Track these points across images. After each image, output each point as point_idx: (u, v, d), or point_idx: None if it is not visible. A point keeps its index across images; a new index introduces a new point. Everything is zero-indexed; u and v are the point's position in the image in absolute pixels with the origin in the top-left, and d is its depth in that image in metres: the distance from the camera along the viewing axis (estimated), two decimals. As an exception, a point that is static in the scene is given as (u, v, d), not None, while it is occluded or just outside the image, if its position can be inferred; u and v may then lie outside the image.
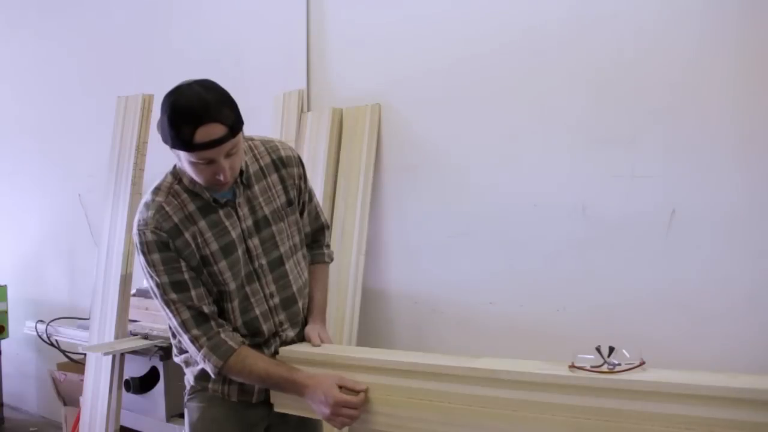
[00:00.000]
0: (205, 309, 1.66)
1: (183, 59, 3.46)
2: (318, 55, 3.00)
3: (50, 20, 4.27)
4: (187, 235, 1.64)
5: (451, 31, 2.59)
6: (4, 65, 4.58)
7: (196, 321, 1.65)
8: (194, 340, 1.66)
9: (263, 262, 1.73)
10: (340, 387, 1.59)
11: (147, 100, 3.07)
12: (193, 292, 1.65)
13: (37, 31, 4.35)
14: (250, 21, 3.24)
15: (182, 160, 1.58)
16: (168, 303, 1.66)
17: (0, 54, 4.59)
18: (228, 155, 1.55)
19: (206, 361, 1.66)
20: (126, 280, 2.96)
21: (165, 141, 1.56)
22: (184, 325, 1.66)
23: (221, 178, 1.56)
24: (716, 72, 2.07)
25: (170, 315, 1.67)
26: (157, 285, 1.65)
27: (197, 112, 1.48)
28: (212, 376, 1.69)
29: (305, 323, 1.84)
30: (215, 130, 1.50)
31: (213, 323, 1.67)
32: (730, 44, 2.06)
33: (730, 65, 2.06)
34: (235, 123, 1.53)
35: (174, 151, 1.57)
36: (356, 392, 1.59)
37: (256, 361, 1.67)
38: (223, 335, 1.66)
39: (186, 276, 1.64)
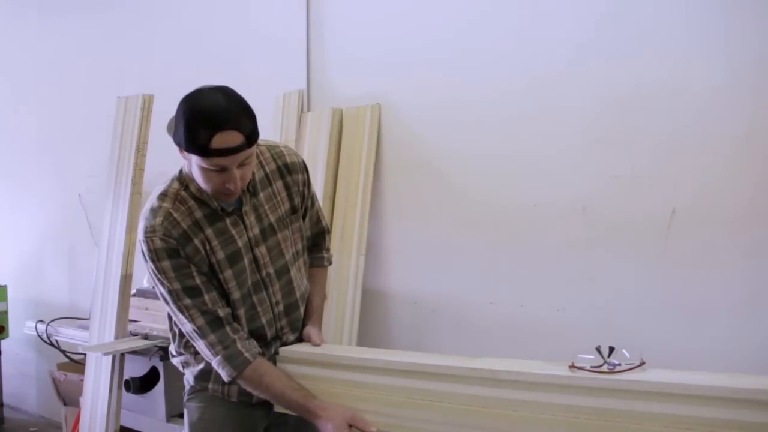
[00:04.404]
0: (220, 312, 1.65)
1: (183, 59, 3.46)
2: (318, 55, 3.00)
3: (50, 20, 4.27)
4: (196, 241, 1.63)
5: (451, 30, 2.60)
6: (4, 65, 4.58)
7: (211, 327, 1.64)
8: (210, 346, 1.65)
9: (271, 271, 1.73)
10: (351, 426, 1.57)
11: (147, 100, 3.07)
12: (206, 296, 1.64)
13: (38, 31, 4.34)
14: (250, 21, 3.24)
15: (193, 164, 1.56)
16: (182, 309, 1.64)
17: (0, 54, 4.60)
18: (241, 165, 1.53)
19: (221, 368, 1.65)
20: (126, 280, 2.95)
21: (178, 143, 1.54)
22: (199, 330, 1.64)
23: (231, 187, 1.55)
24: (716, 72, 2.08)
25: (184, 321, 1.66)
26: (169, 291, 1.64)
27: (217, 118, 1.47)
28: (225, 381, 1.69)
29: (303, 326, 1.83)
30: (233, 138, 1.48)
31: (228, 329, 1.66)
32: (729, 44, 2.06)
33: (729, 65, 2.06)
34: (252, 133, 1.52)
35: (186, 154, 1.55)
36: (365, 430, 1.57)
37: (273, 381, 1.66)
38: (239, 345, 1.65)
39: (198, 281, 1.63)
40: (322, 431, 1.60)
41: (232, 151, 1.49)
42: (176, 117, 1.54)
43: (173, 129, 1.56)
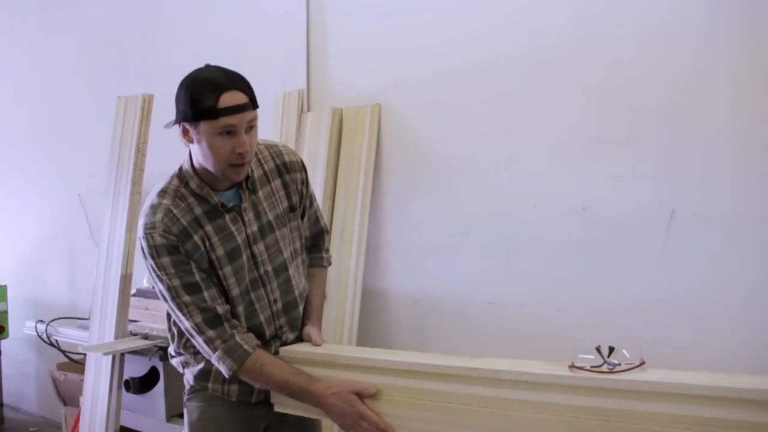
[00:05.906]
0: (219, 309, 1.65)
1: (183, 59, 3.43)
2: (318, 55, 3.00)
3: (50, 20, 4.27)
4: (196, 238, 1.64)
5: (452, 31, 2.60)
6: (4, 65, 4.58)
7: (209, 323, 1.64)
8: (209, 342, 1.65)
9: (269, 268, 1.73)
10: (358, 394, 1.57)
11: (147, 100, 3.07)
12: (206, 293, 1.64)
13: (38, 32, 4.35)
14: (250, 21, 3.24)
15: (201, 138, 1.57)
16: (180, 306, 1.64)
17: (0, 54, 4.59)
18: (248, 129, 1.57)
19: (221, 363, 1.65)
20: (126, 280, 2.95)
21: (185, 118, 1.57)
22: (197, 327, 1.65)
23: (242, 151, 1.57)
24: (716, 72, 2.08)
25: (182, 318, 1.66)
26: (168, 288, 1.64)
27: (220, 81, 1.55)
28: (226, 377, 1.69)
29: (303, 326, 1.83)
30: (238, 97, 1.55)
31: (227, 325, 1.66)
32: (729, 45, 2.06)
33: (729, 66, 2.06)
34: (254, 98, 1.59)
35: (191, 133, 1.58)
36: (371, 395, 1.57)
37: (274, 369, 1.66)
38: (237, 338, 1.66)
39: (197, 277, 1.64)
40: (334, 411, 1.58)
41: (240, 109, 1.55)
42: (177, 97, 1.59)
43: (173, 118, 1.61)
